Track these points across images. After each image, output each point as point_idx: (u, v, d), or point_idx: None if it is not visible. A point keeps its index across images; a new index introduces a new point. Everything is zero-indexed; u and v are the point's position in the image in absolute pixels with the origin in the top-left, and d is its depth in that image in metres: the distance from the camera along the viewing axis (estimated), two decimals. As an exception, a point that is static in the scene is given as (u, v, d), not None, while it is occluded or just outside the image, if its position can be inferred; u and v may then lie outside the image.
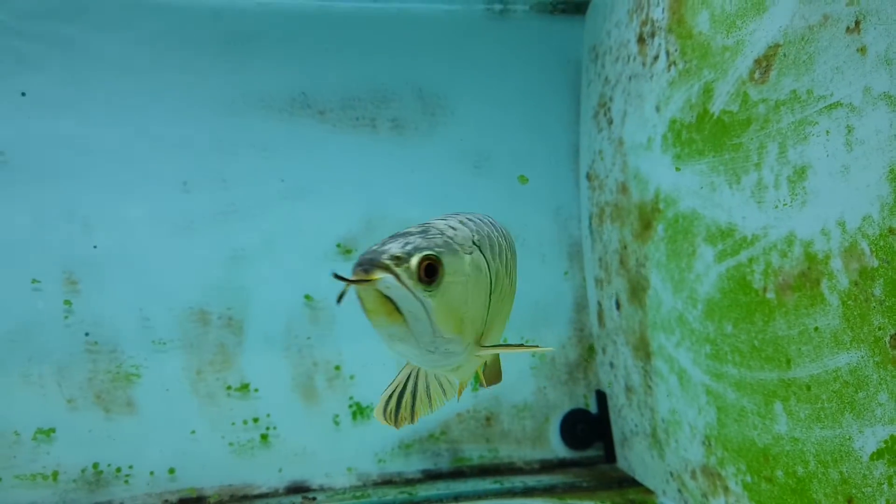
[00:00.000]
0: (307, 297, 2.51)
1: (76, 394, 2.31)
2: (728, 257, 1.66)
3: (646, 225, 2.09)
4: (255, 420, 2.42)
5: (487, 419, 2.56)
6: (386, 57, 2.59)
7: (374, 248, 1.02)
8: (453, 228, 1.10)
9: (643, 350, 2.17)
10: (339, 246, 2.54)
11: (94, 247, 2.34)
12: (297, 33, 2.52)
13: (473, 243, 1.11)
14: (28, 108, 2.31)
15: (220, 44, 2.46)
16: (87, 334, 2.33)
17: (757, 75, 1.52)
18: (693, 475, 1.89)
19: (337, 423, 2.47)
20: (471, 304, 1.08)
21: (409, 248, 1.02)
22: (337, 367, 2.50)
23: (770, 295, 1.50)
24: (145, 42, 2.41)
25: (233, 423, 2.41)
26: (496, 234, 1.21)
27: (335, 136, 2.56)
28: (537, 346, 1.26)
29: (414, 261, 1.00)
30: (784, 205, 1.45)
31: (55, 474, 2.26)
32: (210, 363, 2.42)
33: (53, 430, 2.27)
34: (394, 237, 1.05)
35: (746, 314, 1.59)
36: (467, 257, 1.08)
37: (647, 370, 2.15)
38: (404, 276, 0.99)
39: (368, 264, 0.99)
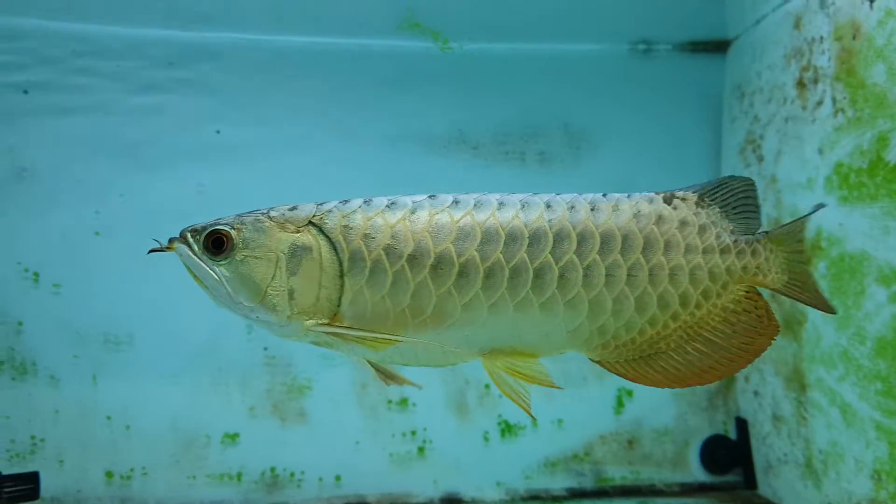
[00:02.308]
0: (460, 319, 2.68)
1: (256, 403, 2.55)
2: (907, 299, 1.74)
3: (804, 261, 2.17)
4: (413, 433, 2.60)
5: (629, 442, 2.67)
6: (536, 95, 2.75)
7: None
8: (292, 208, 1.19)
9: (797, 382, 2.24)
10: (489, 272, 2.70)
11: (273, 269, 2.59)
12: (455, 74, 2.71)
13: (311, 223, 1.16)
14: (221, 145, 2.58)
15: (385, 85, 2.68)
16: (265, 349, 2.57)
17: (945, 129, 1.60)
18: (860, 507, 1.96)
19: (487, 440, 2.63)
20: (289, 280, 1.13)
21: (212, 222, 1.18)
22: (487, 386, 2.66)
23: (959, 339, 1.57)
24: (317, 84, 2.65)
25: (392, 436, 2.60)
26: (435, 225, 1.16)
27: (487, 169, 2.74)
28: (400, 338, 1.15)
29: (204, 233, 1.16)
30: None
31: (239, 475, 2.49)
32: (373, 378, 2.62)
33: (238, 435, 2.51)
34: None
35: (929, 355, 1.66)
36: (284, 235, 1.15)
37: (802, 401, 2.22)
38: (194, 246, 1.16)
39: (180, 234, 1.19)
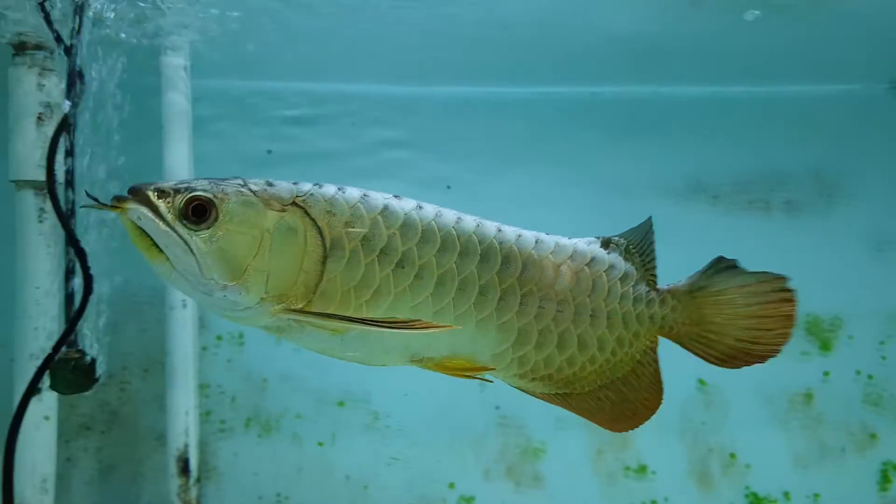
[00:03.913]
0: (700, 381, 2.51)
1: (490, 465, 2.47)
2: None
3: None
4: (654, 503, 2.45)
5: (898, 522, 2.41)
6: (780, 139, 2.56)
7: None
8: (270, 184, 1.07)
9: None
10: (730, 330, 2.52)
11: (504, 326, 2.51)
12: (691, 120, 2.56)
13: (296, 203, 1.06)
14: (451, 199, 2.54)
15: (618, 131, 2.56)
16: (497, 408, 2.49)
17: None
18: None
19: (734, 513, 2.44)
20: (270, 260, 1.04)
21: (183, 185, 1.01)
22: (732, 455, 2.47)
23: None
24: (549, 132, 2.57)
25: (631, 505, 2.46)
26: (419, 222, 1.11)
27: (726, 218, 2.56)
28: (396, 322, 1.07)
29: (180, 197, 1.00)
30: None
31: (476, 541, 2.42)
32: (609, 443, 2.49)
33: (473, 499, 2.44)
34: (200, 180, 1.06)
35: None
36: (270, 213, 1.04)
37: None
38: (163, 210, 0.99)
39: (128, 192, 1.00)
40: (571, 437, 2.48)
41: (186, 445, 2.11)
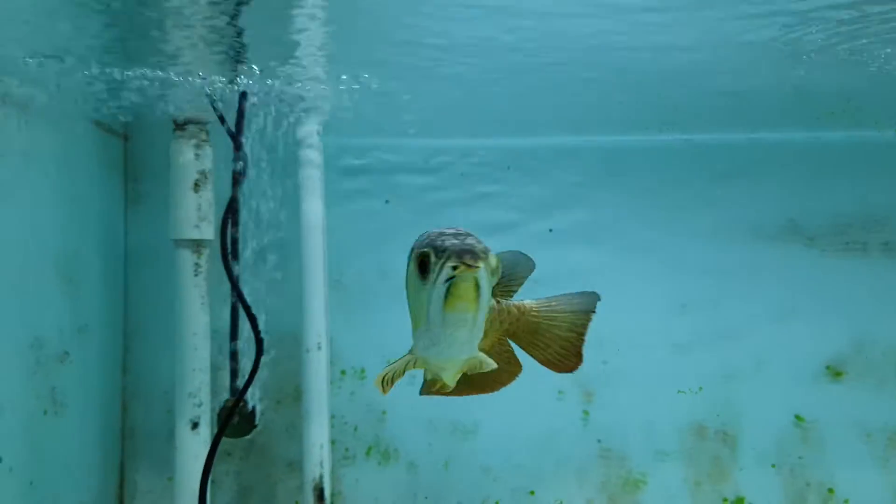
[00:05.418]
0: (798, 417, 2.59)
1: (593, 495, 2.61)
2: None
3: None
4: (752, 535, 2.55)
5: None
6: (879, 182, 2.62)
7: (455, 241, 1.13)
8: (469, 234, 1.19)
9: None
10: (828, 368, 2.60)
11: (604, 363, 2.64)
12: (786, 164, 2.64)
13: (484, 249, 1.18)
14: (552, 241, 2.69)
15: (714, 177, 2.66)
16: (599, 441, 2.64)
17: None
18: None
19: (832, 547, 2.52)
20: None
21: (482, 245, 1.14)
22: (830, 490, 2.55)
23: None
24: (646, 178, 2.69)
25: (731, 536, 2.57)
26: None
27: (823, 260, 2.64)
28: None
29: (492, 258, 1.13)
30: None
31: (580, 567, 2.58)
32: (708, 475, 2.61)
33: (583, 528, 2.60)
34: (456, 234, 1.15)
35: None
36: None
37: None
38: (487, 269, 1.12)
39: (473, 254, 1.11)
40: (671, 469, 2.60)
41: (321, 476, 2.33)
